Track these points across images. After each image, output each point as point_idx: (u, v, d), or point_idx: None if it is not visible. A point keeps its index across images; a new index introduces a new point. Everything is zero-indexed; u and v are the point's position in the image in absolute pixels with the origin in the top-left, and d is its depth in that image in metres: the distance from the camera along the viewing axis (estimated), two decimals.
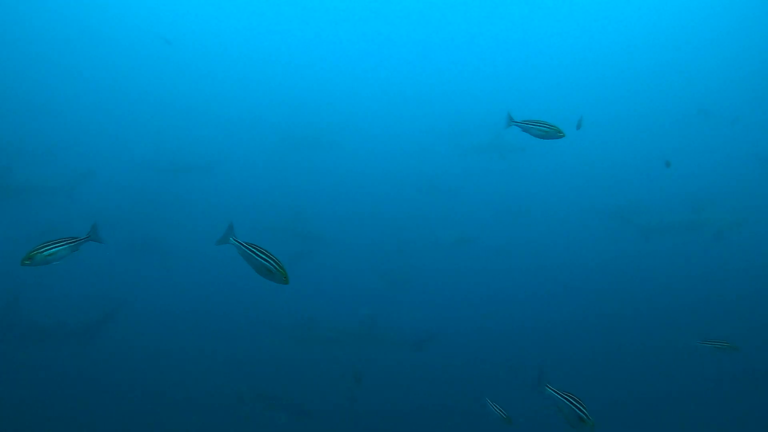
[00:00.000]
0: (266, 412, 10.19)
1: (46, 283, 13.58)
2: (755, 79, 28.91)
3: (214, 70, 31.93)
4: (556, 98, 27.86)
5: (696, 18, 32.89)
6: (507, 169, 21.99)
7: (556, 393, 5.52)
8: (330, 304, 15.28)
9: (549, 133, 6.57)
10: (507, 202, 21.79)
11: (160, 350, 13.42)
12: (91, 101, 26.94)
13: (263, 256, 4.70)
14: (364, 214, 20.66)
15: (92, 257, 16.07)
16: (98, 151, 21.93)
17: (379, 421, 11.37)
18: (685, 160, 21.66)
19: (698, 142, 24.92)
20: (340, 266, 17.71)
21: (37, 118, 22.72)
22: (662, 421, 12.06)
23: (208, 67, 31.57)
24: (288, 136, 25.04)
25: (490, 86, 31.44)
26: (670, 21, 33.51)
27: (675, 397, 12.42)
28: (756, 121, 25.49)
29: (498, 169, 22.21)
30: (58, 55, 29.44)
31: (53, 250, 5.54)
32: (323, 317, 14.47)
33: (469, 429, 11.29)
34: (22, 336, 11.24)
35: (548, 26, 35.89)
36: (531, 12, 35.78)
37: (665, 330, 14.95)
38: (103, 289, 15.11)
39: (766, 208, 19.53)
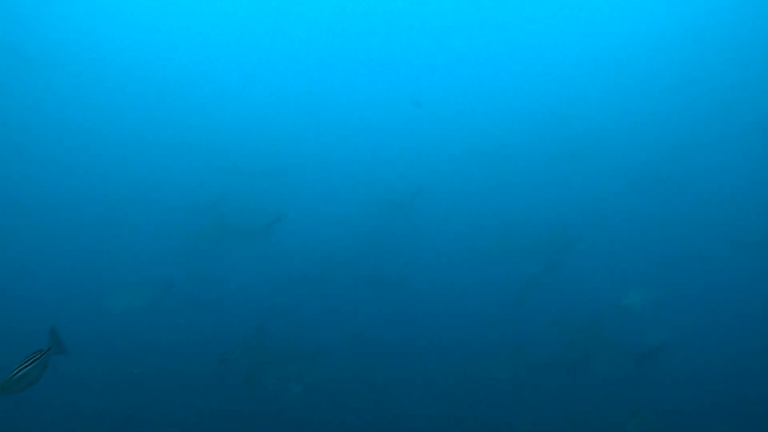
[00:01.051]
0: None
1: (287, 313, 14.79)
2: None
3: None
4: None
5: None
6: None
7: None
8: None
9: None
10: None
11: (398, 382, 12.86)
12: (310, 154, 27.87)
13: None
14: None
15: (331, 292, 15.88)
16: (322, 193, 22.55)
17: None
18: None
19: None
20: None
21: (248, 168, 23.72)
22: None
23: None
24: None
25: None
26: None
27: None
28: None
29: None
30: (277, 117, 31.60)
31: (22, 372, 5.23)
32: None
33: None
34: (268, 356, 12.24)
35: None
36: None
37: None
38: (333, 320, 15.16)
39: None
